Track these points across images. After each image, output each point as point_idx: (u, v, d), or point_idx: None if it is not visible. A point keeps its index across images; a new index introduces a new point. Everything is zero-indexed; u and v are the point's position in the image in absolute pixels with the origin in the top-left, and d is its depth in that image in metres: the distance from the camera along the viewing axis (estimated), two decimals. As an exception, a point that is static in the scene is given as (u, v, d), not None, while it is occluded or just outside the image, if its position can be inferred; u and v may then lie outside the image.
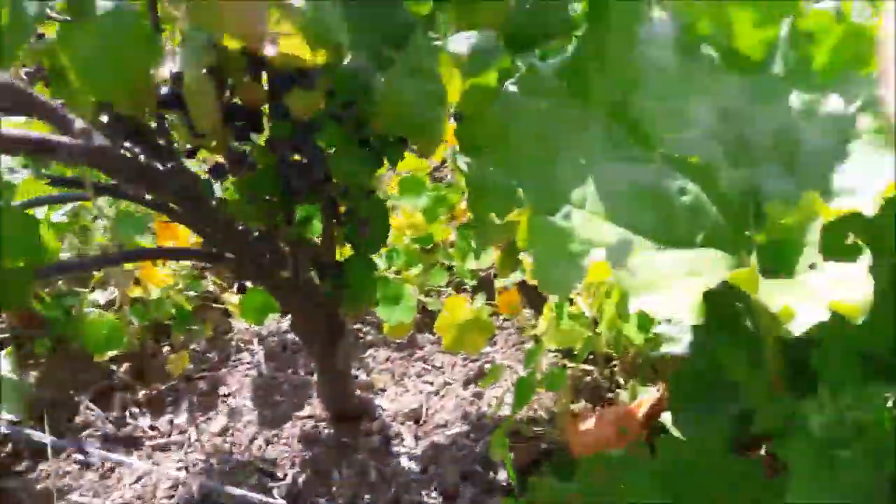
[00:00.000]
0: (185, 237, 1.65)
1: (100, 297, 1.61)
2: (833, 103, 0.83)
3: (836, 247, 0.72)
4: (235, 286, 1.00)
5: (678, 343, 1.05)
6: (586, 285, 1.36)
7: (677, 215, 0.80)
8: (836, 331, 0.75)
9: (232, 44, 0.44)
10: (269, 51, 0.39)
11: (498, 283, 1.64)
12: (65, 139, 0.54)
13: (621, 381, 1.42)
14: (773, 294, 0.65)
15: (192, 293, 1.63)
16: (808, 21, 0.83)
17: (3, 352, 1.48)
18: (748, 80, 0.86)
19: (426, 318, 1.65)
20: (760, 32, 0.86)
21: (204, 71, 0.51)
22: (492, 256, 1.64)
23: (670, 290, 0.67)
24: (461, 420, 1.38)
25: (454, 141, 1.84)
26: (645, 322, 1.26)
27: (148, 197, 0.79)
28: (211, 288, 1.72)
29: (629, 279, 0.68)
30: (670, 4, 0.85)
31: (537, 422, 1.36)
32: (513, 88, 0.85)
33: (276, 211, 0.83)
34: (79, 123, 0.55)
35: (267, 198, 0.81)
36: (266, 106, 0.68)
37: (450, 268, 1.71)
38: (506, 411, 1.37)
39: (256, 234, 0.83)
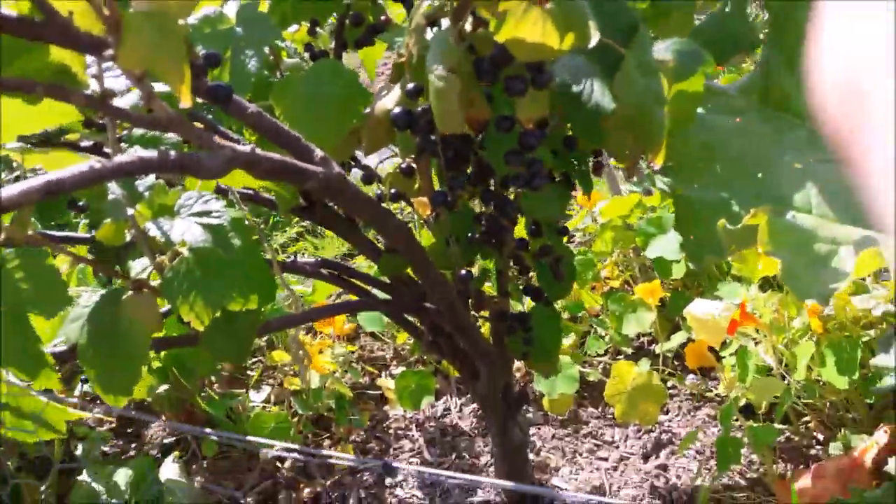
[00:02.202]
0: (340, 323, 1.66)
1: (256, 396, 1.62)
2: None
3: None
4: (425, 340, 0.97)
5: (903, 374, 0.95)
6: (770, 333, 1.27)
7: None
8: None
9: (504, 31, 0.42)
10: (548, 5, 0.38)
11: (659, 348, 1.56)
12: (310, 166, 0.54)
13: (819, 436, 1.29)
14: None
15: (345, 382, 1.62)
16: None
17: (171, 456, 1.49)
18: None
19: (585, 391, 1.57)
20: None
21: (450, 71, 0.50)
22: (649, 320, 1.56)
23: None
24: (651, 494, 1.27)
25: (589, 204, 1.81)
26: (846, 363, 1.15)
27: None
28: (361, 379, 1.71)
29: (899, 269, 0.61)
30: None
31: (735, 489, 1.24)
32: (700, 111, 0.83)
33: (471, 256, 0.81)
34: (318, 152, 0.55)
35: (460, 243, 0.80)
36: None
37: (601, 337, 1.65)
38: (699, 481, 1.26)
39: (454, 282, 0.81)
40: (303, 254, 2.51)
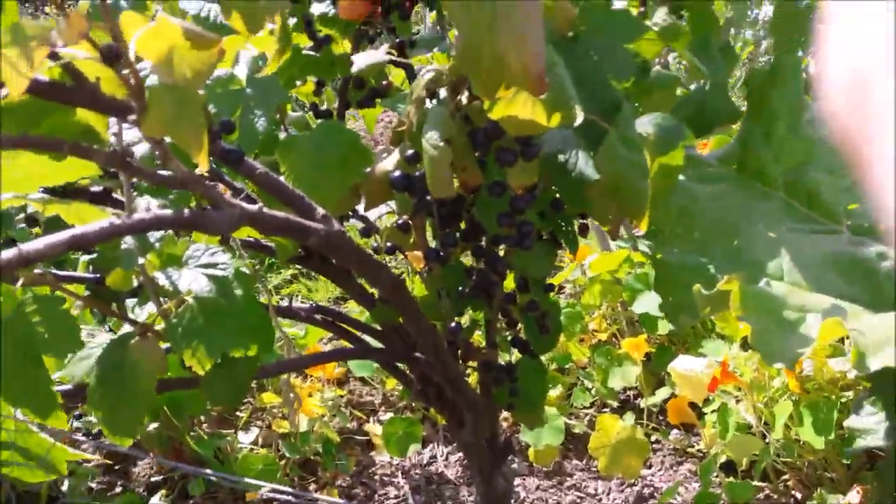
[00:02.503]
0: (331, 367, 1.69)
1: (244, 437, 1.64)
2: None
3: None
4: (414, 389, 0.99)
5: (874, 434, 0.98)
6: (749, 392, 1.30)
7: (881, 281, 0.77)
8: None
9: (497, 108, 0.47)
10: (542, 87, 0.42)
11: (644, 402, 1.59)
12: (312, 223, 0.57)
13: (798, 495, 1.31)
14: None
15: (333, 426, 1.64)
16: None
17: (158, 494, 1.50)
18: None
19: (570, 443, 1.59)
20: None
21: (444, 142, 0.55)
22: (634, 375, 1.59)
23: (904, 346, 0.64)
24: (630, 546, 1.29)
25: (579, 257, 1.85)
26: (822, 424, 1.18)
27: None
28: (349, 424, 1.72)
29: (863, 338, 0.65)
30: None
31: (713, 545, 1.25)
32: (681, 178, 0.88)
33: (461, 308, 0.84)
34: (321, 210, 0.59)
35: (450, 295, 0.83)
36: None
37: (588, 389, 1.67)
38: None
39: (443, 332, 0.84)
40: (297, 296, 2.54)
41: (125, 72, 0.46)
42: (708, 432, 1.32)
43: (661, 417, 1.60)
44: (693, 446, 1.49)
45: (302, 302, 2.48)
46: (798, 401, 1.21)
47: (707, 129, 0.88)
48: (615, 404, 1.66)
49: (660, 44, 0.86)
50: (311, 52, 0.89)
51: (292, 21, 0.88)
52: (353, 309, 2.02)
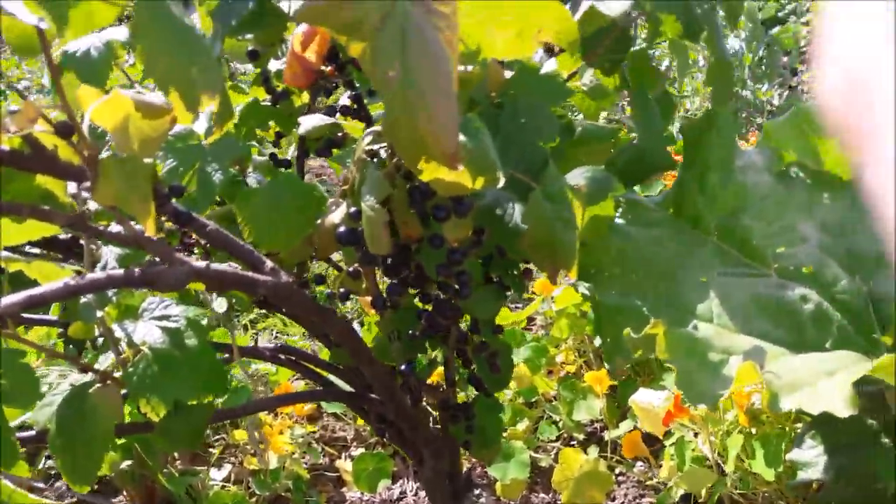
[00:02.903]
0: (301, 406, 1.71)
1: (216, 474, 1.65)
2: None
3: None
4: (374, 427, 1.03)
5: (815, 467, 1.02)
6: (703, 425, 1.35)
7: (804, 323, 0.82)
8: None
9: (427, 171, 0.52)
10: (459, 168, 0.47)
11: (608, 435, 1.63)
12: (259, 276, 0.62)
13: (754, 526, 1.35)
14: (922, 383, 0.65)
15: (304, 463, 1.66)
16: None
17: (128, 532, 1.51)
18: (842, 195, 0.91)
19: (537, 476, 1.62)
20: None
21: (379, 204, 0.59)
22: (598, 408, 1.63)
23: (818, 386, 0.69)
24: (591, 577, 1.32)
25: (546, 291, 1.89)
26: (773, 457, 1.22)
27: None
28: (320, 460, 1.74)
29: (776, 381, 0.69)
30: (744, 139, 0.94)
31: (672, 575, 1.28)
32: (620, 221, 0.93)
33: (414, 349, 0.89)
34: (269, 263, 0.64)
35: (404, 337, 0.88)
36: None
37: (555, 422, 1.71)
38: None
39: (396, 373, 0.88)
40: (272, 330, 2.56)
41: (78, 144, 0.51)
42: (667, 465, 1.36)
43: (625, 449, 1.64)
44: (652, 479, 1.53)
45: (277, 336, 2.51)
46: (749, 434, 1.26)
47: (644, 176, 0.94)
48: (581, 437, 1.70)
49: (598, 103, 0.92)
50: (270, 105, 0.94)
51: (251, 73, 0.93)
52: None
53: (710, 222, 0.92)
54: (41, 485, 1.36)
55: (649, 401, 1.38)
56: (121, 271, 0.53)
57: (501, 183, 0.58)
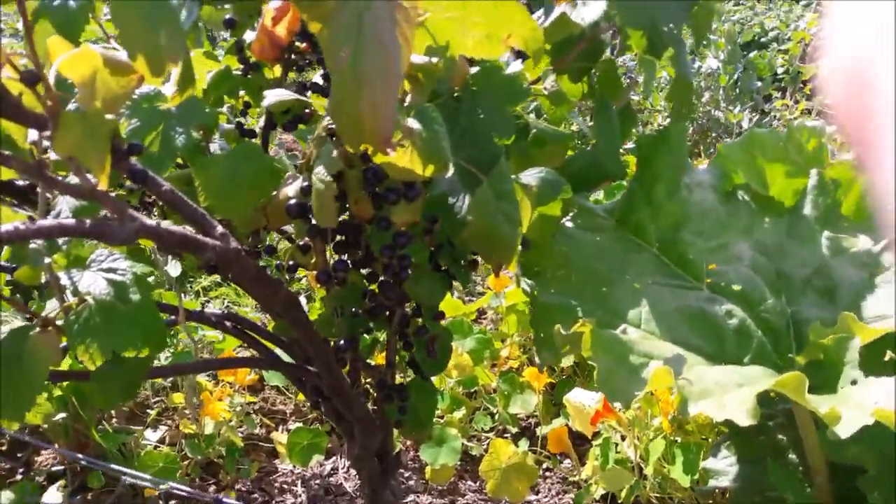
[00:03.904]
0: (243, 374, 1.72)
1: (151, 435, 1.66)
2: (862, 242, 0.92)
3: (875, 364, 0.79)
4: (310, 399, 1.05)
5: (726, 476, 1.08)
6: (629, 428, 1.40)
7: (726, 336, 0.87)
8: (881, 446, 0.79)
9: (378, 155, 0.54)
10: (391, 154, 0.49)
11: (540, 431, 1.67)
12: (209, 240, 0.64)
13: (669, 528, 1.40)
14: (819, 401, 0.70)
15: (240, 431, 1.67)
16: (835, 171, 0.94)
17: (57, 484, 1.51)
18: (782, 221, 0.96)
19: (468, 465, 1.66)
20: (791, 182, 0.98)
21: (330, 177, 0.61)
22: (533, 403, 1.68)
23: (726, 396, 0.73)
24: (508, 564, 1.36)
25: (498, 286, 1.93)
26: (691, 464, 1.28)
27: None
28: (257, 430, 1.76)
29: (688, 387, 0.73)
30: (710, 158, 0.98)
31: (585, 568, 1.34)
32: (569, 224, 0.97)
33: (357, 326, 0.91)
34: (220, 228, 0.66)
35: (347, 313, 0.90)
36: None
37: (492, 414, 1.75)
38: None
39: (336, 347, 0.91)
40: (223, 300, 2.56)
41: (43, 94, 0.52)
42: (591, 463, 1.41)
43: (557, 446, 1.69)
44: (576, 476, 1.58)
45: (229, 306, 2.51)
46: (672, 441, 1.31)
47: (596, 183, 0.97)
48: (515, 430, 1.74)
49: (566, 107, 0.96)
50: (242, 75, 0.95)
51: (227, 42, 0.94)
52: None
53: (653, 233, 0.96)
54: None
55: (582, 400, 1.43)
56: (72, 221, 0.54)
57: (450, 172, 0.61)
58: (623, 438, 1.46)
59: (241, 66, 0.94)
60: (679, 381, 0.72)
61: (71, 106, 0.56)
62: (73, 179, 0.58)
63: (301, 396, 1.89)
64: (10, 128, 0.58)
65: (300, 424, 1.78)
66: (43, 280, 0.71)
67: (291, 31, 0.61)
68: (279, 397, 1.93)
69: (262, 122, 1.03)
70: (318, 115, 1.00)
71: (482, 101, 0.71)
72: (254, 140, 0.98)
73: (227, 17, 0.87)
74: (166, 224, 0.60)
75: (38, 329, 0.67)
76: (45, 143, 0.64)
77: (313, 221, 0.70)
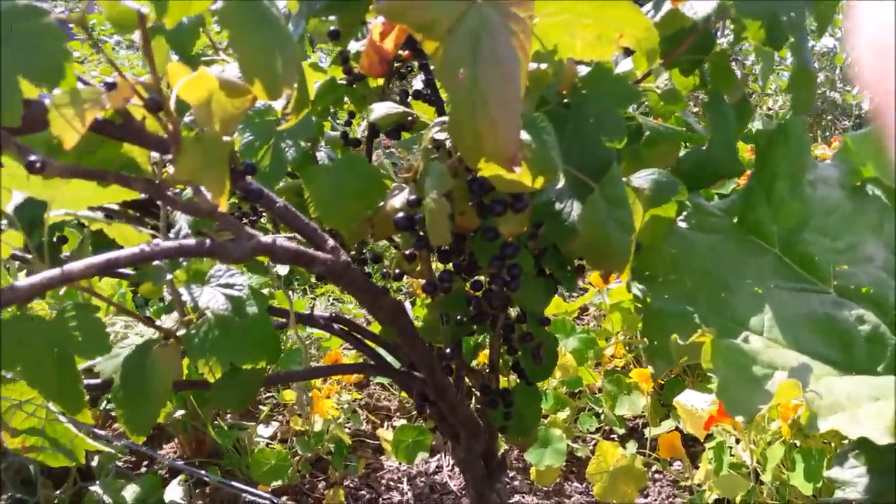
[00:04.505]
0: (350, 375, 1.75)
1: (263, 431, 1.72)
2: None
3: None
4: (416, 403, 1.06)
5: (854, 487, 1.01)
6: (745, 432, 1.34)
7: (856, 344, 0.81)
8: None
9: (487, 168, 0.53)
10: (516, 171, 0.48)
11: (649, 432, 1.63)
12: (319, 254, 0.64)
13: (789, 538, 1.34)
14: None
15: (347, 428, 1.71)
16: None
17: (177, 479, 1.59)
18: (919, 218, 0.89)
19: (573, 467, 1.64)
20: (929, 175, 0.90)
21: (443, 196, 0.61)
22: (641, 404, 1.63)
23: (859, 410, 0.68)
24: (618, 570, 1.33)
25: (600, 283, 1.89)
26: (813, 472, 1.21)
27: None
28: (363, 427, 1.79)
29: (817, 400, 0.69)
30: (834, 150, 0.91)
31: (699, 578, 1.29)
32: (681, 224, 0.93)
33: (461, 333, 0.91)
34: (331, 242, 0.66)
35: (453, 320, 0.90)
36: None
37: (597, 414, 1.71)
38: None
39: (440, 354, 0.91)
40: (328, 297, 2.62)
41: (165, 118, 0.54)
42: (704, 468, 1.36)
43: (665, 448, 1.64)
44: (688, 480, 1.53)
45: (333, 302, 2.57)
46: (792, 446, 1.24)
47: (711, 181, 0.93)
48: (621, 431, 1.70)
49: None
50: (347, 84, 0.96)
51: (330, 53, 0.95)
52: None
53: (773, 233, 0.90)
54: (101, 431, 1.44)
55: (694, 403, 1.38)
56: (192, 241, 0.56)
57: (561, 183, 0.59)
58: (737, 442, 1.40)
59: (346, 76, 0.95)
60: (807, 393, 0.68)
61: (187, 118, 0.57)
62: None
63: (405, 393, 1.91)
64: (134, 150, 0.61)
65: (404, 421, 1.80)
66: (164, 293, 0.74)
67: (398, 44, 0.60)
68: (384, 393, 1.96)
69: (364, 130, 1.04)
70: (419, 123, 1.00)
71: (591, 105, 0.68)
72: (358, 149, 0.99)
73: (332, 28, 0.88)
74: (280, 241, 0.61)
75: (160, 343, 0.70)
76: (168, 166, 0.67)
77: (421, 233, 0.70)
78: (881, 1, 0.29)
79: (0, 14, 0.42)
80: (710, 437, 1.44)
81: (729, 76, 0.99)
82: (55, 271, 0.50)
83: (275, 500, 1.31)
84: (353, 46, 0.94)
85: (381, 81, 0.99)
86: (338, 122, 1.14)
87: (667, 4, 0.78)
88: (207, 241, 0.57)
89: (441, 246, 0.77)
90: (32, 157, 0.52)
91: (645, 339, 0.88)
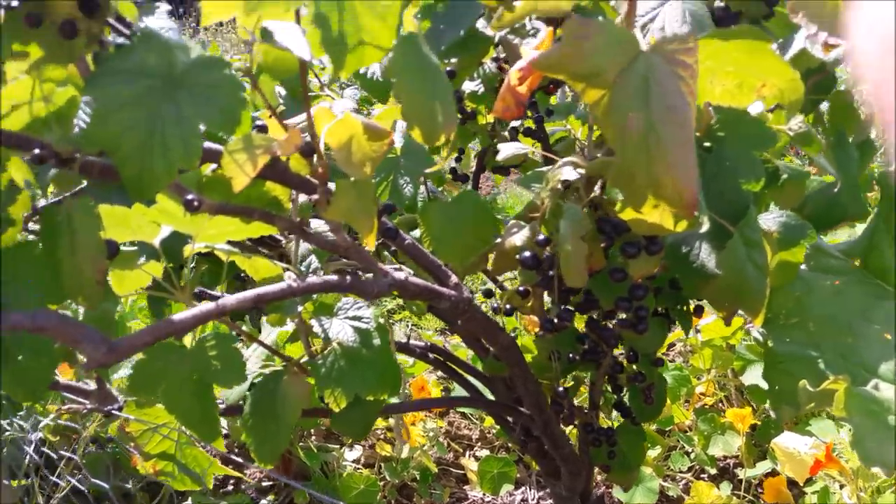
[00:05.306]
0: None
1: (349, 454, 1.73)
2: None
3: None
4: (518, 438, 1.05)
5: None
6: (853, 478, 1.28)
7: None
8: None
9: (626, 212, 0.53)
10: (693, 212, 0.48)
11: (743, 473, 1.57)
12: (444, 290, 0.65)
13: None
14: None
15: (432, 456, 1.71)
16: None
17: (266, 499, 1.62)
18: None
19: (664, 506, 1.60)
20: None
21: (581, 239, 0.61)
22: (736, 445, 1.58)
23: None
24: None
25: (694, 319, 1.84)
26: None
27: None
28: (446, 455, 1.79)
29: (963, 456, 0.65)
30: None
31: None
32: (802, 267, 0.90)
33: (570, 370, 0.90)
34: (454, 278, 0.67)
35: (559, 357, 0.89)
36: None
37: (687, 453, 1.67)
38: None
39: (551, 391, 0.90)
40: (407, 322, 2.64)
41: (314, 162, 0.55)
42: (808, 516, 1.30)
43: (759, 490, 1.58)
44: (790, 527, 1.47)
45: (412, 328, 2.59)
46: (906, 498, 1.18)
47: (834, 223, 0.90)
48: (713, 471, 1.65)
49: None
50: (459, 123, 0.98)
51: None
52: (459, 343, 2.09)
53: (900, 276, 0.87)
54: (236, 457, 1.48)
55: (795, 446, 1.32)
56: (335, 278, 0.57)
57: (705, 227, 0.58)
58: (842, 488, 1.34)
59: (459, 115, 0.97)
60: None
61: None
62: (329, 236, 0.62)
63: (487, 423, 1.90)
64: (277, 189, 0.62)
65: (487, 451, 1.79)
66: (288, 324, 0.76)
67: (531, 89, 0.61)
68: (464, 422, 1.95)
69: (466, 163, 1.06)
70: (531, 161, 1.00)
71: (728, 148, 0.68)
72: (465, 184, 1.01)
73: (448, 69, 0.89)
74: (413, 279, 0.62)
75: (289, 374, 0.71)
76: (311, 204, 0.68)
77: (549, 272, 0.70)
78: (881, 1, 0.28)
79: (189, 65, 0.44)
80: (809, 480, 1.38)
81: (852, 115, 0.96)
82: (211, 305, 0.52)
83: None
84: (467, 86, 0.96)
85: (490, 118, 1.00)
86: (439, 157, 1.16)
87: (796, 45, 0.76)
88: (348, 279, 0.58)
89: (561, 285, 0.77)
90: (190, 196, 0.54)
91: (740, 378, 0.86)
